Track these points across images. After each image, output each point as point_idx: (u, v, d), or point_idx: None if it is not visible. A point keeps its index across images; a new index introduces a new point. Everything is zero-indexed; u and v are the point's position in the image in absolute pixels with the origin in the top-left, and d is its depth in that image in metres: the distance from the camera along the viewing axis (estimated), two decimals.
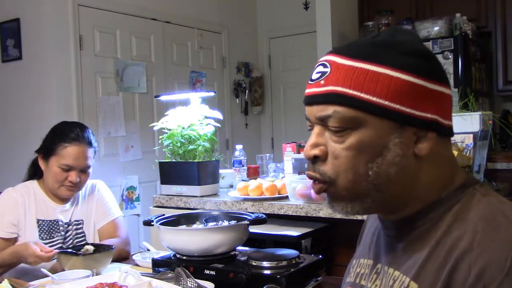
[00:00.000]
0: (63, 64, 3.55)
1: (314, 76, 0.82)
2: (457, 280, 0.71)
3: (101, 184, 2.13)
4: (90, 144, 1.94)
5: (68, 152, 1.89)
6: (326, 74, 0.79)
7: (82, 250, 1.72)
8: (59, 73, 3.54)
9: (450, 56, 3.62)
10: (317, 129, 0.81)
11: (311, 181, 0.84)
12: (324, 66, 0.81)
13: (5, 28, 3.69)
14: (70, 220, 1.97)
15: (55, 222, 1.93)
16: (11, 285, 1.43)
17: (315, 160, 0.81)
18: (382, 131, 0.77)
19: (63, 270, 1.64)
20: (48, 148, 1.93)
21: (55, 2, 3.53)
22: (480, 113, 1.85)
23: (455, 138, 1.78)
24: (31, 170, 2.03)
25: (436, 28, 3.75)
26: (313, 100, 0.81)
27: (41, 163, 1.95)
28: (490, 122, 1.95)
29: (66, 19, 3.57)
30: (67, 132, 1.92)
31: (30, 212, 1.90)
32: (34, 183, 1.98)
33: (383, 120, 0.77)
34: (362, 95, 0.76)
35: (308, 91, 0.82)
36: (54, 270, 1.67)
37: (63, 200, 1.97)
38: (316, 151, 0.81)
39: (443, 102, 0.80)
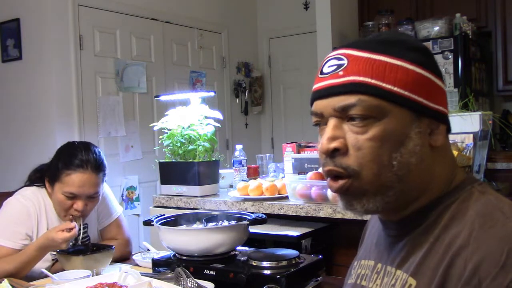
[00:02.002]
0: (63, 64, 3.55)
1: (327, 69, 0.81)
2: (453, 275, 0.72)
3: None
4: (98, 168, 1.80)
5: (72, 180, 1.76)
6: (344, 66, 0.79)
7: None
8: (59, 73, 3.54)
9: (450, 56, 3.62)
10: (333, 121, 0.80)
11: (327, 179, 0.82)
12: (339, 59, 0.81)
13: (5, 28, 3.69)
14: (79, 227, 1.92)
15: None
16: (11, 285, 1.43)
17: (333, 154, 0.79)
18: (404, 120, 0.78)
19: (63, 270, 1.64)
20: (52, 173, 1.81)
21: (55, 2, 3.53)
22: (480, 113, 1.85)
23: (455, 138, 1.78)
24: (36, 176, 1.93)
25: (436, 28, 3.75)
26: (330, 91, 0.80)
27: (48, 187, 1.84)
28: (490, 122, 1.95)
29: (66, 19, 3.57)
30: (71, 158, 1.78)
31: (41, 223, 1.83)
32: (43, 192, 1.87)
33: (404, 109, 0.78)
34: (384, 84, 0.77)
35: (322, 84, 0.82)
36: (54, 270, 1.67)
37: None
38: (336, 144, 0.78)
39: (445, 97, 0.84)
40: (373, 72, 0.77)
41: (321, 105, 0.81)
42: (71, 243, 1.85)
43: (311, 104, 0.85)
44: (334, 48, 0.87)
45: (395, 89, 0.77)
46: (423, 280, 0.75)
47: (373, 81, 0.77)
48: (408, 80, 0.78)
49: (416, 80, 0.79)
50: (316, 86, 0.83)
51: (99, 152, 1.85)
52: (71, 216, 1.81)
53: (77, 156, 1.78)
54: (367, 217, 1.05)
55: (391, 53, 0.79)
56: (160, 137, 2.42)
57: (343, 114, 0.79)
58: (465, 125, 1.80)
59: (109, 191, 2.07)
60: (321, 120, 0.83)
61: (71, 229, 1.66)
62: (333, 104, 0.79)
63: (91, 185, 1.79)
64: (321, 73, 0.82)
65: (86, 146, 1.84)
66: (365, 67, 0.78)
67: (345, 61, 0.80)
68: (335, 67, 0.80)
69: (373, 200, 0.79)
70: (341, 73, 0.79)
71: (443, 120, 0.82)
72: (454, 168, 0.85)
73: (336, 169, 0.79)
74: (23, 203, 1.82)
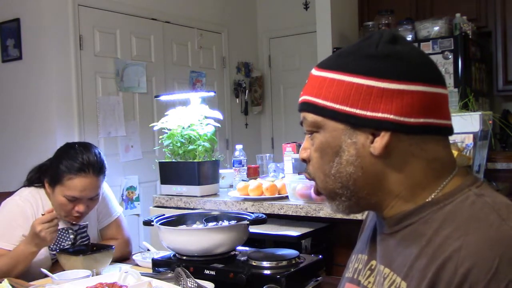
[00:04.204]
0: (63, 64, 3.55)
1: None
2: (443, 279, 0.71)
3: None
4: (99, 171, 1.80)
5: (74, 185, 1.75)
6: (304, 86, 0.89)
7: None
8: (59, 73, 3.54)
9: (450, 56, 3.62)
10: (307, 134, 0.90)
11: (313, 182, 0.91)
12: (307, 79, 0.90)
13: (5, 28, 3.69)
14: (78, 227, 1.91)
15: (64, 230, 1.87)
16: (11, 285, 1.43)
17: (304, 162, 0.91)
18: (336, 132, 0.83)
19: (63, 270, 1.64)
20: (53, 176, 1.80)
21: (55, 2, 3.53)
22: (480, 113, 1.85)
23: (455, 138, 1.78)
24: (35, 177, 1.91)
25: (436, 28, 3.75)
26: (298, 109, 0.91)
27: (47, 187, 1.84)
28: (490, 122, 1.95)
29: (66, 19, 3.57)
30: (72, 161, 1.77)
31: None
32: (41, 192, 1.87)
33: (337, 122, 0.82)
34: (319, 100, 0.83)
35: None
36: (54, 270, 1.67)
37: None
38: (303, 154, 0.90)
39: (405, 100, 0.78)
40: (314, 90, 0.85)
41: None
42: (69, 243, 1.85)
43: None
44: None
45: (327, 103, 0.82)
46: (413, 282, 0.75)
47: (311, 98, 0.85)
48: (341, 93, 0.80)
49: (351, 91, 0.79)
50: None
51: (99, 153, 1.84)
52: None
53: (78, 159, 1.77)
54: (365, 214, 1.05)
55: (335, 68, 0.83)
56: (160, 137, 2.42)
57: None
58: (465, 125, 1.80)
59: (109, 191, 2.07)
60: None
61: (51, 220, 1.65)
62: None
63: (92, 188, 1.79)
64: None
65: (86, 148, 1.82)
66: (310, 86, 0.86)
67: (306, 81, 0.89)
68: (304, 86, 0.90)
69: (334, 203, 0.87)
70: (301, 92, 0.89)
71: (386, 126, 0.78)
72: (442, 172, 0.81)
73: (305, 175, 0.92)
74: (20, 205, 1.82)
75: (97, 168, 1.80)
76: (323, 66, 0.86)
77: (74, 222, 1.86)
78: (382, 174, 0.81)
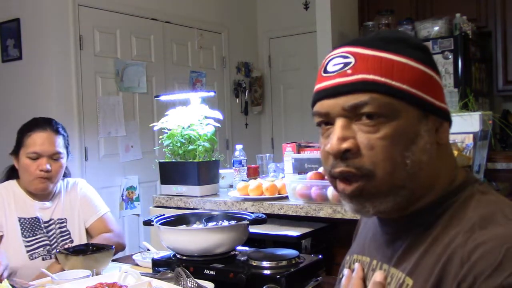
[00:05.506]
0: (63, 64, 3.55)
1: (332, 68, 0.80)
2: (450, 273, 0.71)
3: (83, 182, 2.11)
4: (57, 131, 1.93)
5: (33, 139, 1.89)
6: (352, 64, 0.78)
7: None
8: (59, 73, 3.54)
9: (450, 56, 3.62)
10: (341, 121, 0.78)
11: (337, 181, 0.80)
12: (345, 57, 0.79)
13: (5, 28, 3.69)
14: (50, 219, 1.94)
15: (36, 219, 1.91)
16: (11, 285, 1.43)
17: (345, 154, 0.77)
18: (414, 118, 0.78)
19: (63, 270, 1.64)
20: (16, 144, 1.95)
21: (55, 2, 3.53)
22: (480, 113, 1.85)
23: (455, 138, 1.78)
24: (8, 172, 2.02)
25: (436, 28, 3.75)
26: (338, 90, 0.78)
27: (15, 163, 1.95)
28: (490, 122, 1.95)
29: (66, 19, 3.57)
30: (30, 123, 1.95)
31: (10, 211, 1.88)
32: (12, 183, 1.96)
33: (413, 107, 0.77)
34: (394, 82, 0.76)
35: (328, 82, 0.79)
36: (54, 270, 1.67)
37: (43, 197, 1.95)
38: (347, 144, 0.76)
39: (444, 94, 0.83)
40: (382, 70, 0.76)
41: (327, 104, 0.79)
42: (43, 231, 1.87)
43: (314, 103, 0.83)
44: (335, 47, 0.84)
45: (404, 87, 0.76)
46: (420, 279, 0.75)
47: (383, 79, 0.76)
48: (415, 78, 0.78)
49: (421, 78, 0.78)
50: (322, 85, 0.81)
51: (58, 123, 1.97)
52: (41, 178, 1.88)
53: (37, 121, 1.95)
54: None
55: (396, 51, 0.78)
56: (160, 137, 2.42)
57: (352, 113, 0.77)
58: (465, 125, 1.80)
59: (93, 191, 2.11)
60: (325, 120, 0.81)
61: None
62: (341, 103, 0.77)
63: (51, 143, 1.89)
64: (325, 71, 0.81)
65: (46, 118, 2.00)
66: (373, 65, 0.76)
67: (351, 59, 0.78)
68: (341, 65, 0.79)
69: (385, 201, 0.78)
70: (349, 71, 0.77)
71: (447, 118, 0.82)
72: (455, 166, 0.85)
73: (348, 170, 0.77)
74: None
75: (54, 127, 1.93)
76: (377, 46, 0.78)
77: (41, 187, 1.89)
78: (437, 163, 0.81)
